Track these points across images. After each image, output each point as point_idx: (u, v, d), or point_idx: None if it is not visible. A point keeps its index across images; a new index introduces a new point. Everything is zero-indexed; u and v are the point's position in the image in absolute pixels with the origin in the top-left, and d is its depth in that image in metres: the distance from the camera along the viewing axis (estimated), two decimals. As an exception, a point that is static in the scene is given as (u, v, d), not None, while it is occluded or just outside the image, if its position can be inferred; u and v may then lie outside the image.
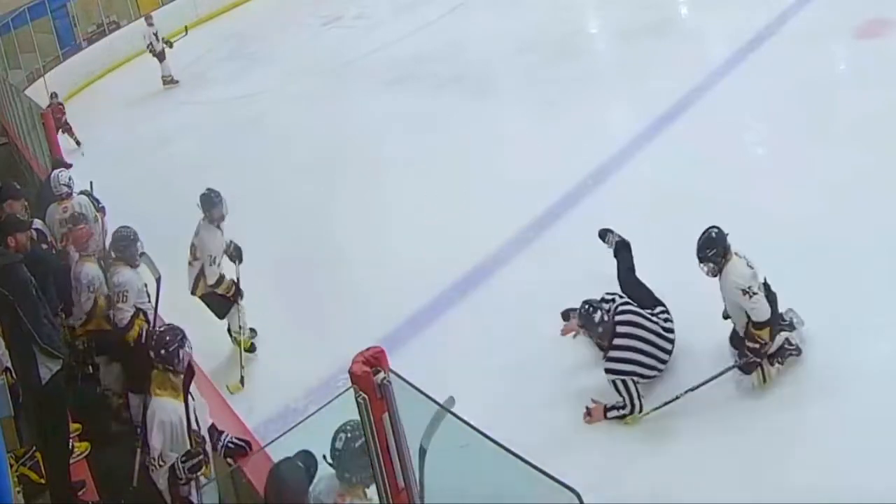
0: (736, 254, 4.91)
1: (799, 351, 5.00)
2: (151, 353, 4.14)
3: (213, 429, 4.33)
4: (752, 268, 4.89)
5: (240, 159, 10.66)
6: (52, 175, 7.39)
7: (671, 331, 5.30)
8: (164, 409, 4.04)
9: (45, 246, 6.35)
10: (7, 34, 16.97)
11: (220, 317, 6.53)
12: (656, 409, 4.94)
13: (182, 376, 4.12)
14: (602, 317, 5.16)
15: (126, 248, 5.63)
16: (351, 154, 9.89)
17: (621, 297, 5.39)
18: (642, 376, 5.08)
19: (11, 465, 4.47)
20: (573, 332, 5.48)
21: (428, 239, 7.37)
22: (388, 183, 8.96)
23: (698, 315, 5.42)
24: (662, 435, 4.88)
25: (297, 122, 11.63)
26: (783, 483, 4.29)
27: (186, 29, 16.54)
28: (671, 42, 10.81)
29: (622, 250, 5.79)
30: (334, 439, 3.38)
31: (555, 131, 9.02)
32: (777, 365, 4.93)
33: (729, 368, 4.92)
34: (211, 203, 6.30)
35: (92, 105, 16.34)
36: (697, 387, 4.89)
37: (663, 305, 5.39)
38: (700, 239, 4.92)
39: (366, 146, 10.00)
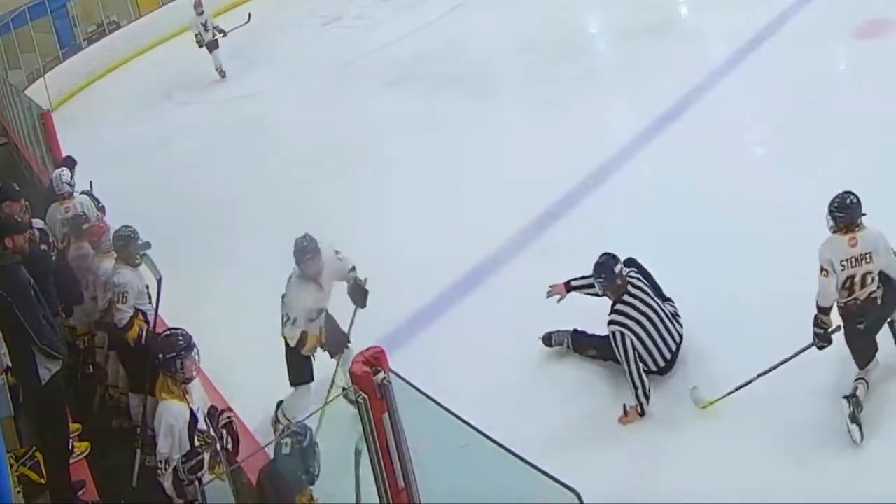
0: (862, 246, 4.58)
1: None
2: (153, 356, 4.13)
3: (212, 409, 4.32)
4: (844, 266, 4.57)
5: (240, 159, 10.65)
6: (55, 174, 7.37)
7: (678, 317, 5.32)
8: (171, 412, 4.01)
9: (44, 246, 6.34)
10: (7, 34, 16.90)
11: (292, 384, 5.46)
12: (729, 393, 4.79)
13: (184, 385, 4.08)
14: (621, 270, 5.19)
15: (124, 246, 5.62)
16: (351, 154, 9.87)
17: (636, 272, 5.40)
18: (644, 345, 5.07)
19: (11, 465, 4.47)
20: (558, 296, 5.59)
21: (428, 239, 7.37)
22: (388, 183, 8.94)
23: (699, 315, 5.43)
24: (663, 434, 4.88)
25: (297, 122, 11.61)
26: (781, 483, 4.28)
27: (249, 16, 15.48)
28: (671, 42, 10.79)
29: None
30: (279, 448, 3.35)
31: (555, 131, 9.01)
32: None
33: (798, 353, 4.70)
34: (304, 253, 5.33)
35: (92, 105, 16.32)
36: (770, 370, 4.73)
37: (672, 302, 5.42)
38: (839, 196, 4.70)
39: (366, 146, 9.98)
